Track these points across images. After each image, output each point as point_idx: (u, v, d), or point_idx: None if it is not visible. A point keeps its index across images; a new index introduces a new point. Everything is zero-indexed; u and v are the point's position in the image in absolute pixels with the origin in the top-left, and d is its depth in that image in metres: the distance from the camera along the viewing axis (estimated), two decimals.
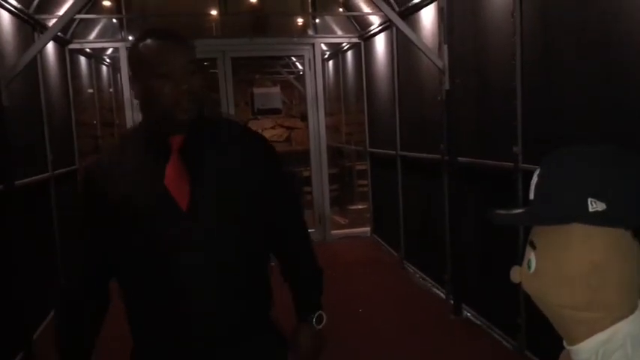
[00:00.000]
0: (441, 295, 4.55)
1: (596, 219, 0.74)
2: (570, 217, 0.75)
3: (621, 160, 0.77)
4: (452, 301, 4.24)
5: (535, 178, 0.81)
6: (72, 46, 5.59)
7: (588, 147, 0.80)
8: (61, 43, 5.36)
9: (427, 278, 4.94)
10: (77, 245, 1.47)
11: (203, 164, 1.36)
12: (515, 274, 0.83)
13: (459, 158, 3.97)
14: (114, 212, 1.34)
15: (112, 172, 1.36)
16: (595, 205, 0.74)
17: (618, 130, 2.42)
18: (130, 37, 6.16)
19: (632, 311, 0.77)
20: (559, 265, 0.77)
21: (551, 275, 0.78)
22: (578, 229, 0.75)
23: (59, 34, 4.71)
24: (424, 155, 4.70)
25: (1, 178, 3.40)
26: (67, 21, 4.15)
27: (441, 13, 4.11)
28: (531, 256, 0.80)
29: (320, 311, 1.53)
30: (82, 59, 6.52)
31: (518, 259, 3.03)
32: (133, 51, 1.36)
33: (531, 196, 0.81)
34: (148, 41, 1.33)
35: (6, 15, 3.91)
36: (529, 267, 0.80)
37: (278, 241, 1.53)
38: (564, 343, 0.83)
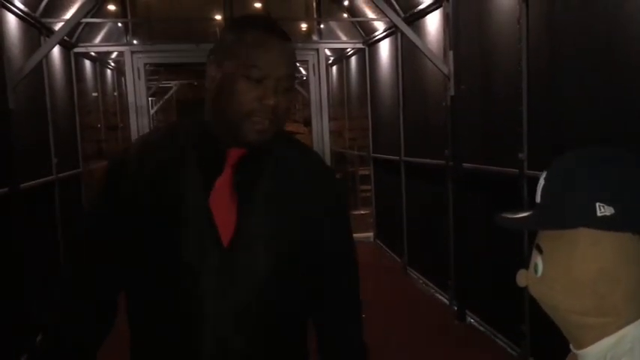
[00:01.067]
0: (445, 301, 4.54)
1: (604, 224, 0.73)
2: (577, 222, 0.74)
3: (629, 164, 0.76)
4: (455, 307, 4.23)
5: (542, 181, 0.80)
6: (77, 49, 5.61)
7: (596, 150, 0.78)
8: (67, 47, 5.38)
9: (430, 284, 4.93)
10: (81, 255, 1.19)
11: (258, 193, 1.12)
12: (522, 278, 0.82)
13: (464, 164, 3.97)
14: (138, 222, 1.10)
15: (145, 171, 1.12)
16: (603, 210, 0.73)
17: (626, 137, 2.42)
18: (135, 42, 6.19)
19: None
20: (566, 270, 0.76)
21: (559, 280, 0.77)
22: (586, 234, 0.74)
23: (65, 37, 4.73)
24: (428, 161, 4.70)
25: (6, 181, 3.41)
26: (74, 25, 4.16)
27: (446, 19, 4.12)
28: (538, 260, 0.79)
29: None
30: (87, 63, 6.55)
31: (523, 265, 3.02)
32: (231, 35, 1.11)
33: (538, 199, 0.80)
34: (257, 32, 1.09)
35: (13, 19, 3.93)
36: (536, 271, 0.79)
37: (323, 305, 1.24)
38: (571, 347, 0.82)
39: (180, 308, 1.09)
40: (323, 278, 1.22)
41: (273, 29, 1.12)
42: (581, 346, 0.79)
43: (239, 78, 1.06)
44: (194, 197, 1.10)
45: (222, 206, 1.10)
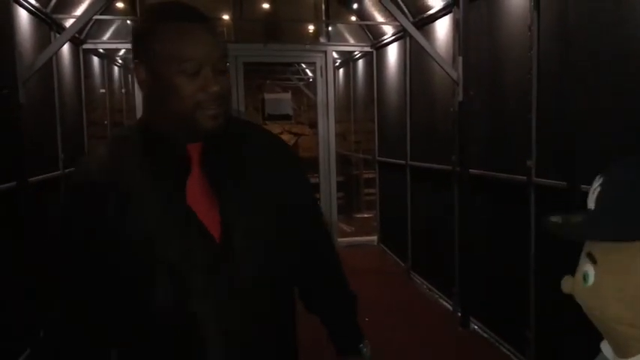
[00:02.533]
0: (448, 306, 4.53)
1: None
2: (637, 234, 0.71)
3: None
4: (459, 313, 4.23)
5: (597, 188, 0.77)
6: (86, 46, 5.62)
7: None
8: (76, 43, 5.39)
9: (434, 289, 4.92)
10: (67, 301, 1.10)
11: (228, 179, 1.11)
12: (568, 285, 0.79)
13: (471, 170, 3.97)
14: (113, 243, 1.03)
15: (110, 188, 1.05)
16: None
17: (638, 147, 2.41)
18: None
19: None
20: (621, 284, 0.73)
21: (612, 293, 0.74)
22: None
23: (74, 34, 4.74)
24: (434, 166, 4.70)
25: (15, 175, 3.41)
26: (85, 22, 4.17)
27: (456, 24, 4.12)
28: (589, 269, 0.76)
29: (365, 339, 1.32)
30: (95, 59, 6.55)
31: (528, 271, 3.00)
32: (147, 29, 1.06)
33: (591, 205, 0.77)
34: (175, 23, 1.04)
35: (24, 14, 3.94)
36: (585, 280, 0.76)
37: (308, 265, 1.28)
38: (608, 353, 0.81)
39: (182, 314, 1.06)
40: (304, 243, 1.26)
41: (191, 15, 1.07)
42: (625, 356, 0.77)
43: (175, 75, 1.03)
44: (171, 202, 1.06)
45: (202, 203, 1.07)
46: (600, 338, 0.85)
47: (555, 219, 0.78)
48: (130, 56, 6.16)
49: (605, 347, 0.82)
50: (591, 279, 0.76)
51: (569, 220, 0.78)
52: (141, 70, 1.06)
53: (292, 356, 1.25)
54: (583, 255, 0.78)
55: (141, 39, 1.07)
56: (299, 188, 1.26)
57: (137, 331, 1.09)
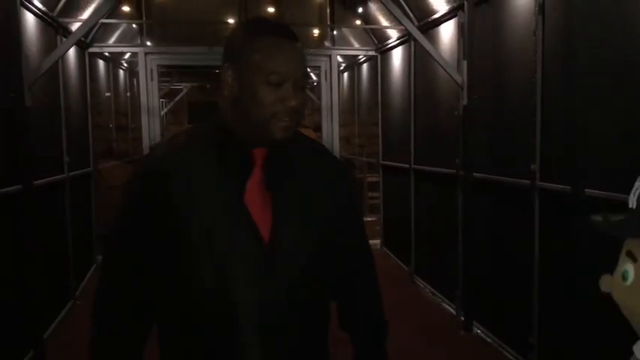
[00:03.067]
0: (452, 310, 4.52)
1: None
2: None
3: None
4: (462, 318, 4.22)
5: (638, 187, 0.78)
6: (92, 49, 5.66)
7: None
8: (82, 47, 5.43)
9: (437, 293, 4.91)
10: (118, 271, 1.20)
11: (286, 187, 1.19)
12: (606, 284, 0.80)
13: (475, 174, 3.97)
14: (173, 228, 1.13)
15: (178, 177, 1.14)
16: None
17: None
18: (149, 43, 6.23)
19: None
20: None
21: None
22: None
23: (81, 37, 4.77)
24: (439, 169, 4.70)
25: (20, 178, 3.43)
26: (91, 26, 4.20)
27: (461, 28, 4.12)
28: (629, 267, 0.76)
29: None
30: (101, 63, 6.60)
31: (532, 276, 2.99)
32: (244, 38, 1.15)
33: (632, 204, 0.77)
34: (271, 37, 1.14)
35: (31, 17, 3.97)
36: (624, 278, 0.77)
37: (346, 281, 1.34)
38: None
39: (227, 306, 1.13)
40: (346, 262, 1.32)
41: (285, 32, 1.17)
42: None
43: (259, 83, 1.11)
44: (229, 199, 1.15)
45: (257, 204, 1.15)
46: (606, 343, 0.84)
47: (597, 217, 0.79)
48: (135, 60, 6.20)
49: (638, 349, 0.81)
50: (631, 277, 0.76)
51: (609, 218, 0.78)
52: (229, 73, 1.15)
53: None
54: (623, 254, 0.77)
55: (236, 46, 1.16)
56: (349, 213, 1.32)
57: (181, 315, 1.17)
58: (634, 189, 0.78)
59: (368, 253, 1.39)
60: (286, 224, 1.16)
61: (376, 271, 1.40)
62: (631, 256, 0.76)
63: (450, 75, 4.04)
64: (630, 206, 0.78)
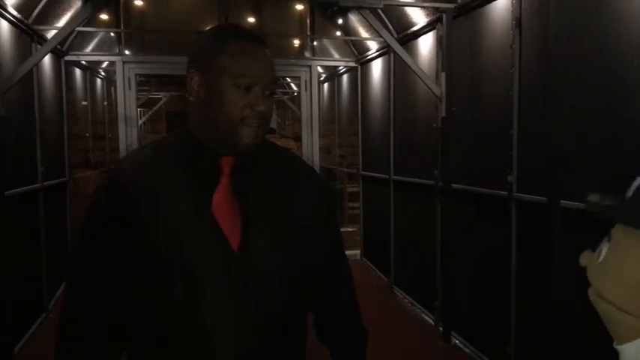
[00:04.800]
0: (430, 321, 4.53)
1: None
2: None
3: None
4: (441, 328, 4.22)
5: (639, 180, 0.80)
6: (68, 57, 5.58)
7: None
8: (58, 55, 5.35)
9: (416, 304, 4.91)
10: (84, 284, 1.16)
11: (255, 195, 1.16)
12: (584, 259, 0.83)
13: (453, 185, 3.99)
14: (140, 240, 1.10)
15: (144, 188, 1.12)
16: None
17: (615, 164, 2.44)
18: (127, 52, 6.17)
19: None
20: (622, 267, 0.77)
21: (612, 273, 0.77)
22: None
23: (57, 45, 4.70)
24: (417, 180, 4.72)
25: None
26: (67, 34, 4.14)
27: (439, 41, 4.16)
28: (604, 246, 0.80)
29: None
30: (78, 71, 6.51)
31: (509, 286, 3.01)
32: (212, 43, 1.13)
33: (629, 194, 0.80)
34: (240, 42, 1.13)
35: (5, 25, 3.90)
36: (599, 256, 0.80)
37: (324, 293, 1.32)
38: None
39: (197, 317, 1.10)
40: (323, 273, 1.29)
41: (254, 37, 1.16)
42: (619, 341, 0.80)
43: (228, 87, 1.10)
44: (197, 208, 1.12)
45: (226, 213, 1.13)
46: (583, 351, 0.86)
47: (593, 198, 0.82)
48: (113, 69, 6.14)
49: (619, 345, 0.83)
50: (602, 256, 0.79)
51: (603, 200, 0.81)
52: (195, 79, 1.13)
53: None
54: (607, 234, 0.81)
55: (203, 51, 1.14)
56: (325, 225, 1.29)
57: (152, 328, 1.14)
58: (636, 182, 0.80)
59: (345, 264, 1.38)
60: (256, 234, 1.13)
61: (353, 283, 1.38)
62: (609, 236, 0.80)
63: (428, 87, 4.07)
64: (627, 195, 0.81)
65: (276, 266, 1.15)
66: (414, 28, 4.66)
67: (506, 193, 3.28)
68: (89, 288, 1.15)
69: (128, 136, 5.82)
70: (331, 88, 8.26)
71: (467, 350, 3.92)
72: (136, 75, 5.92)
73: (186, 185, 1.13)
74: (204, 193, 1.13)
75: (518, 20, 3.18)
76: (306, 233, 1.21)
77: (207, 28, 1.21)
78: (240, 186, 1.15)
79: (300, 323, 1.26)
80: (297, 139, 7.21)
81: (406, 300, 5.12)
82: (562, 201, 2.74)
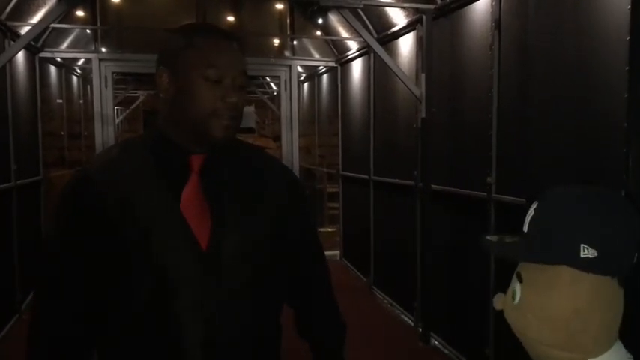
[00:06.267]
0: (410, 322, 4.53)
1: (586, 265, 0.75)
2: (560, 260, 0.76)
3: (619, 210, 0.78)
4: (420, 329, 4.23)
5: (531, 212, 0.82)
6: (43, 54, 5.46)
7: (589, 190, 0.80)
8: (32, 52, 5.23)
9: (396, 304, 4.92)
10: (53, 287, 1.13)
11: (225, 194, 1.14)
12: (499, 302, 0.84)
13: (433, 185, 4.00)
14: (108, 240, 1.08)
15: (111, 188, 1.09)
16: (587, 252, 0.74)
17: (592, 167, 2.47)
18: (104, 49, 6.07)
19: (605, 351, 0.78)
20: (542, 304, 0.77)
21: (534, 312, 0.78)
22: (566, 272, 0.76)
23: (31, 42, 4.59)
24: (397, 181, 4.72)
25: None
26: (41, 30, 4.05)
27: (419, 41, 4.17)
28: (517, 287, 0.81)
29: None
30: (53, 68, 6.38)
31: (489, 288, 3.02)
32: (180, 41, 1.12)
33: (525, 228, 0.82)
34: (208, 36, 1.13)
35: None
36: (513, 297, 0.81)
37: (300, 289, 1.32)
38: None
39: (167, 316, 1.09)
40: (298, 267, 1.29)
41: (222, 32, 1.17)
42: None
43: (198, 80, 1.09)
44: (165, 207, 1.10)
45: (194, 212, 1.11)
46: None
47: (492, 238, 0.83)
48: (89, 66, 6.03)
49: None
50: (518, 297, 0.80)
51: (504, 239, 0.82)
52: (165, 76, 1.12)
53: None
54: (515, 274, 0.82)
55: (172, 47, 1.14)
56: (299, 222, 1.30)
57: (121, 329, 1.12)
58: (528, 214, 0.82)
59: (322, 261, 1.38)
60: (225, 232, 1.12)
61: (330, 278, 1.39)
62: (519, 276, 0.81)
63: (408, 88, 4.07)
64: (524, 229, 0.82)
65: (245, 265, 1.14)
66: (394, 29, 4.66)
67: (485, 194, 3.29)
68: (57, 285, 1.13)
69: (104, 135, 5.72)
70: (311, 88, 8.24)
71: (446, 351, 3.93)
72: (112, 73, 5.82)
73: (154, 183, 1.12)
74: (173, 192, 1.11)
75: (497, 21, 3.19)
76: (277, 231, 1.20)
77: (175, 27, 1.20)
78: (210, 184, 1.13)
79: (272, 322, 1.24)
80: (277, 138, 7.16)
81: (386, 300, 5.13)
82: None
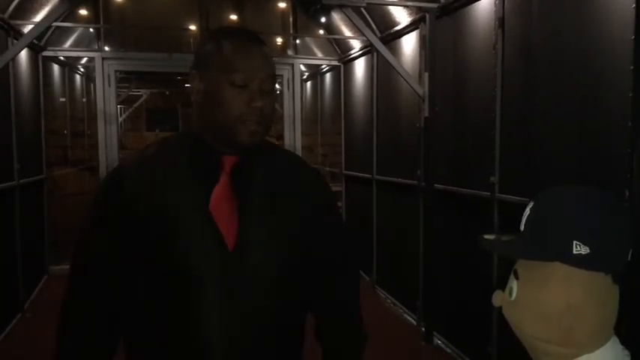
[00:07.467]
0: (412, 321, 4.53)
1: (578, 261, 0.77)
2: (554, 257, 0.78)
3: (610, 209, 0.80)
4: (423, 328, 4.22)
5: (528, 211, 0.84)
6: (46, 53, 5.47)
7: (584, 189, 0.82)
8: (35, 50, 5.24)
9: (398, 304, 4.91)
10: (83, 276, 1.17)
11: (255, 196, 1.16)
12: (497, 299, 0.87)
13: (435, 185, 3.99)
14: (138, 236, 1.11)
15: (144, 185, 1.12)
16: (579, 249, 0.76)
17: (596, 166, 2.46)
18: (107, 48, 6.08)
19: (600, 346, 0.80)
20: (537, 300, 0.80)
21: (529, 308, 0.80)
22: (560, 268, 0.78)
23: (34, 40, 4.60)
24: (400, 180, 4.71)
25: None
26: (43, 29, 4.05)
27: (423, 40, 4.16)
28: (514, 284, 0.83)
29: None
30: (56, 67, 6.39)
31: (491, 287, 3.02)
32: (210, 46, 1.14)
33: (522, 227, 0.84)
34: (235, 40, 1.14)
35: None
36: (510, 294, 0.84)
37: (325, 294, 1.29)
38: None
39: (190, 314, 1.10)
40: (324, 272, 1.27)
41: (249, 35, 1.18)
42: None
43: (224, 85, 1.10)
44: (195, 206, 1.12)
45: (223, 212, 1.12)
46: None
47: (489, 237, 0.86)
48: (92, 65, 6.03)
49: None
50: (514, 294, 0.83)
51: (501, 238, 0.85)
52: (197, 79, 1.15)
53: None
54: (512, 272, 0.85)
55: (202, 52, 1.16)
56: (327, 224, 1.27)
57: (147, 326, 1.14)
58: (525, 213, 0.85)
59: (350, 267, 1.33)
60: (252, 233, 1.13)
61: (358, 287, 1.34)
62: (515, 274, 0.84)
63: (411, 87, 4.06)
64: (521, 228, 0.84)
65: (271, 266, 1.14)
66: (397, 28, 4.65)
67: (488, 193, 3.28)
68: (91, 286, 1.16)
69: (107, 134, 5.73)
70: (314, 87, 8.23)
71: (449, 350, 3.92)
72: (115, 71, 5.83)
73: (186, 183, 1.14)
74: (203, 191, 1.13)
75: (501, 20, 3.18)
76: (306, 234, 1.19)
77: (209, 30, 1.19)
78: (240, 184, 1.15)
79: (296, 323, 1.24)
80: (280, 137, 7.16)
81: (388, 300, 5.12)
82: None
